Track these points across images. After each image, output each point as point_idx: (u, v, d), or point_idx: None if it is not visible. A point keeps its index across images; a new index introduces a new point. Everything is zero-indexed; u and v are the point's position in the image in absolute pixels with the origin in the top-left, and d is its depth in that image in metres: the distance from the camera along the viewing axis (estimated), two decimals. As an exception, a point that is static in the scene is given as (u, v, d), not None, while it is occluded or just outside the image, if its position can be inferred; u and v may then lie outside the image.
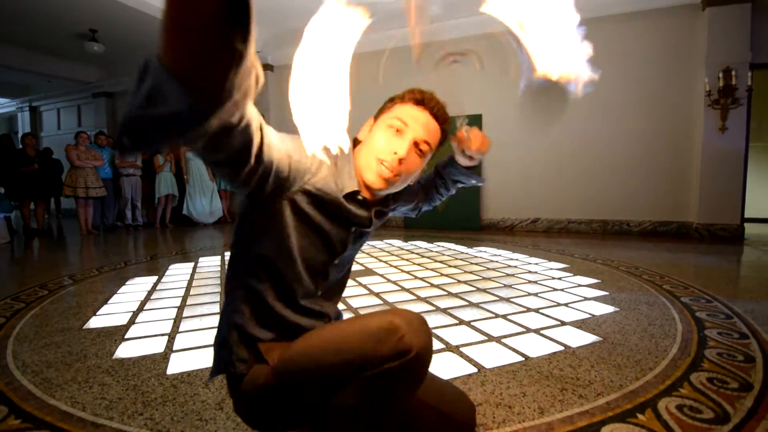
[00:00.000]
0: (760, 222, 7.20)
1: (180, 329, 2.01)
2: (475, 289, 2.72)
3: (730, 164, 4.96)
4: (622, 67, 5.45)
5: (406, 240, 5.12)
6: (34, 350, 1.76)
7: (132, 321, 2.15)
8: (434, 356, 1.64)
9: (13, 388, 1.43)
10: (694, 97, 5.19)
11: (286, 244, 0.84)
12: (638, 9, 5.36)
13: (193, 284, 2.92)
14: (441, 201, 1.26)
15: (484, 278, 3.01)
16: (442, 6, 5.61)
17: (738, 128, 4.92)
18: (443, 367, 1.56)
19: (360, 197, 0.91)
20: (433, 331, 1.94)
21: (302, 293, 0.90)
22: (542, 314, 2.18)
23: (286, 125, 0.62)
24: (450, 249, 4.37)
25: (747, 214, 5.28)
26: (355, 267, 3.43)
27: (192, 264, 3.66)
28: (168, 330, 2.00)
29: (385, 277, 3.05)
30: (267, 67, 7.43)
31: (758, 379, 1.41)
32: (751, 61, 4.86)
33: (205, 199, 7.35)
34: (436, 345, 1.77)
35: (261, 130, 0.65)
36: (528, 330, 1.95)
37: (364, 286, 2.79)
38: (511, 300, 2.45)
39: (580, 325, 2.01)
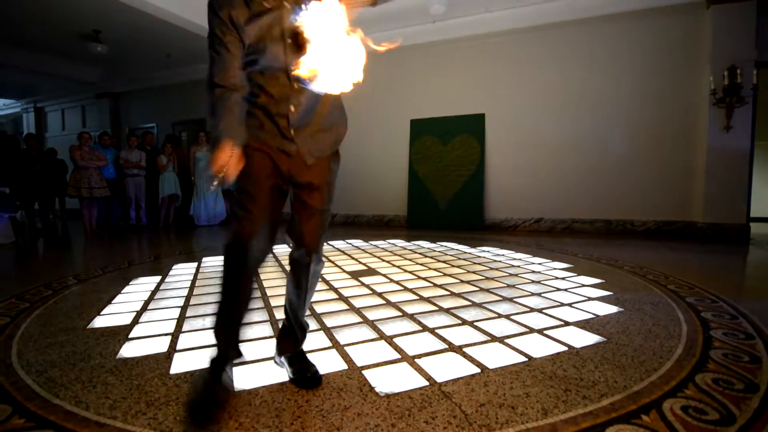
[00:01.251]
0: (765, 221, 7.14)
1: (183, 329, 2.01)
2: (478, 289, 2.71)
3: (735, 163, 4.92)
4: (626, 66, 5.42)
5: (408, 240, 5.11)
6: (39, 350, 1.77)
7: (136, 321, 2.15)
8: (436, 356, 1.64)
9: (17, 388, 1.43)
10: (698, 95, 5.15)
11: (249, 44, 1.17)
12: (642, 7, 5.32)
13: (197, 284, 2.93)
14: None
15: (487, 278, 3.00)
16: (446, 5, 5.60)
17: (743, 127, 4.88)
18: (446, 367, 1.56)
19: None
20: (436, 330, 1.94)
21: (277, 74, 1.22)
22: (546, 314, 2.17)
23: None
24: (453, 249, 4.36)
25: (752, 214, 5.24)
26: (357, 267, 3.43)
27: (195, 264, 3.67)
28: (171, 330, 2.01)
29: (388, 277, 3.05)
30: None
31: (764, 380, 1.40)
32: (756, 59, 4.82)
33: (210, 201, 7.34)
34: (439, 345, 1.76)
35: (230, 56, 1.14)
36: (531, 330, 1.94)
37: (367, 286, 2.79)
38: (514, 300, 2.44)
39: (583, 325, 2.00)
